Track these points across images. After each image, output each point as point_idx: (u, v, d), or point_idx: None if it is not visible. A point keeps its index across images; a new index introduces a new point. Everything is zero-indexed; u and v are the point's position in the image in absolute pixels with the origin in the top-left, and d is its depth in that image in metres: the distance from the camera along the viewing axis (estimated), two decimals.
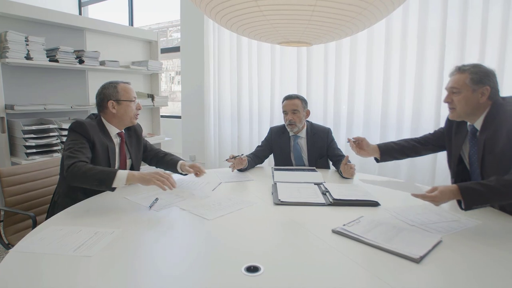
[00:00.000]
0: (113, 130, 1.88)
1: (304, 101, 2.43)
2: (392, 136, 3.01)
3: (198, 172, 1.98)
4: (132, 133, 2.01)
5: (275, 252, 1.17)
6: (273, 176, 2.11)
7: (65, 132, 2.99)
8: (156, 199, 1.63)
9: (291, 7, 1.31)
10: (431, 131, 1.95)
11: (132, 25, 5.14)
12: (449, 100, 1.59)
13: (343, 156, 2.27)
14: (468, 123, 1.63)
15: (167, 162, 2.08)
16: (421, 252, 1.10)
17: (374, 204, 1.60)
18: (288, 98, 2.43)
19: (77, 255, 1.10)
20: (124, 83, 1.89)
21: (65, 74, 3.29)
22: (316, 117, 3.32)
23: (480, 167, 1.54)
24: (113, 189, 1.57)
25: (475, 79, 1.51)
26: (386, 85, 3.01)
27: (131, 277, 1.01)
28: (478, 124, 1.55)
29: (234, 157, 2.18)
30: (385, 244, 1.16)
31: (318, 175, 2.14)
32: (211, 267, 1.06)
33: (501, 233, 1.33)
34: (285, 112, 2.41)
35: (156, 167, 2.12)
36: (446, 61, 2.73)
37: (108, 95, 1.83)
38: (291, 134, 2.45)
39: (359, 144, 1.97)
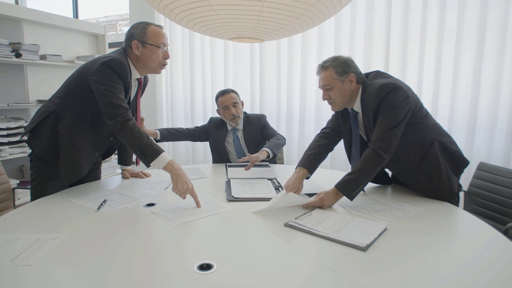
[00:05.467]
0: (135, 74, 1.74)
1: (237, 93, 2.47)
2: None
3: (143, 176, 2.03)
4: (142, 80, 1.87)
5: (228, 248, 1.17)
6: (226, 173, 2.11)
7: (2, 133, 2.77)
8: (105, 200, 1.56)
9: (240, 2, 1.31)
10: None
11: (77, 17, 4.84)
12: (327, 97, 1.70)
13: (276, 134, 2.38)
14: (349, 108, 1.75)
15: (121, 153, 2.08)
16: (368, 241, 1.16)
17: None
18: (225, 93, 2.44)
19: (15, 265, 1.02)
20: (157, 26, 1.72)
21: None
22: (270, 113, 3.36)
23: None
24: (148, 166, 1.55)
25: (340, 71, 1.63)
26: None
27: (76, 284, 0.96)
28: (357, 107, 1.70)
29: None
30: (334, 235, 1.21)
31: (271, 170, 2.17)
32: (163, 266, 1.03)
33: (439, 219, 1.44)
34: (226, 108, 2.39)
35: None
36: (391, 55, 2.90)
37: (134, 34, 1.68)
38: (230, 128, 2.46)
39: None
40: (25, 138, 1.75)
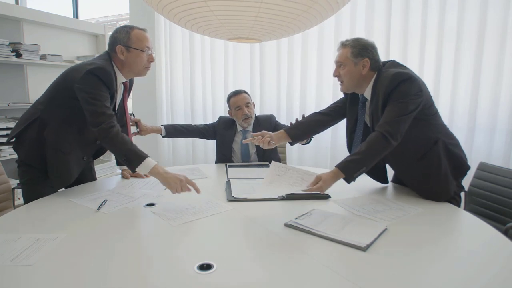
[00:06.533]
0: (120, 78, 1.74)
1: (249, 94, 2.47)
2: (342, 131, 3.13)
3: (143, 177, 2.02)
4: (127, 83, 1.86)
5: (228, 249, 1.17)
6: (227, 173, 2.11)
7: (2, 133, 2.77)
8: (105, 200, 1.56)
9: (237, 3, 1.31)
10: None
11: (77, 17, 4.84)
12: (337, 74, 1.69)
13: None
14: (360, 94, 1.74)
15: None
16: (368, 241, 1.16)
17: (325, 197, 1.65)
18: (237, 93, 2.43)
19: (15, 265, 1.02)
20: (140, 29, 1.71)
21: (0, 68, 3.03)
22: (270, 113, 3.36)
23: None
24: (134, 171, 1.60)
25: (355, 53, 1.62)
26: (335, 80, 3.11)
27: (76, 284, 0.96)
28: (367, 94, 1.67)
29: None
30: (335, 235, 1.21)
31: None
32: (163, 267, 1.04)
33: (439, 219, 1.44)
34: (238, 108, 2.39)
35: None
36: (391, 55, 2.91)
37: (118, 39, 1.67)
38: (239, 129, 2.45)
39: (262, 139, 1.84)
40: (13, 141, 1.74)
